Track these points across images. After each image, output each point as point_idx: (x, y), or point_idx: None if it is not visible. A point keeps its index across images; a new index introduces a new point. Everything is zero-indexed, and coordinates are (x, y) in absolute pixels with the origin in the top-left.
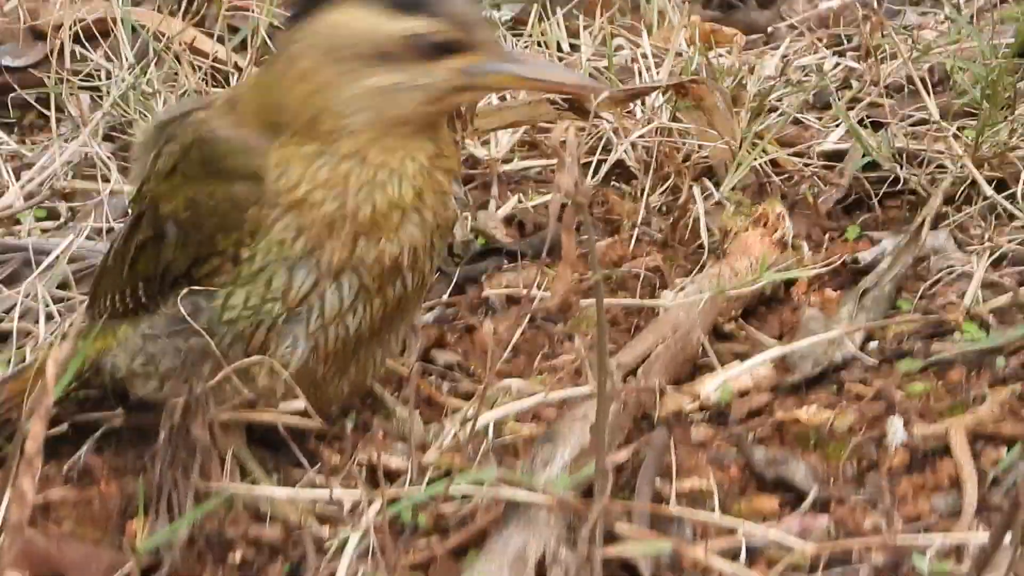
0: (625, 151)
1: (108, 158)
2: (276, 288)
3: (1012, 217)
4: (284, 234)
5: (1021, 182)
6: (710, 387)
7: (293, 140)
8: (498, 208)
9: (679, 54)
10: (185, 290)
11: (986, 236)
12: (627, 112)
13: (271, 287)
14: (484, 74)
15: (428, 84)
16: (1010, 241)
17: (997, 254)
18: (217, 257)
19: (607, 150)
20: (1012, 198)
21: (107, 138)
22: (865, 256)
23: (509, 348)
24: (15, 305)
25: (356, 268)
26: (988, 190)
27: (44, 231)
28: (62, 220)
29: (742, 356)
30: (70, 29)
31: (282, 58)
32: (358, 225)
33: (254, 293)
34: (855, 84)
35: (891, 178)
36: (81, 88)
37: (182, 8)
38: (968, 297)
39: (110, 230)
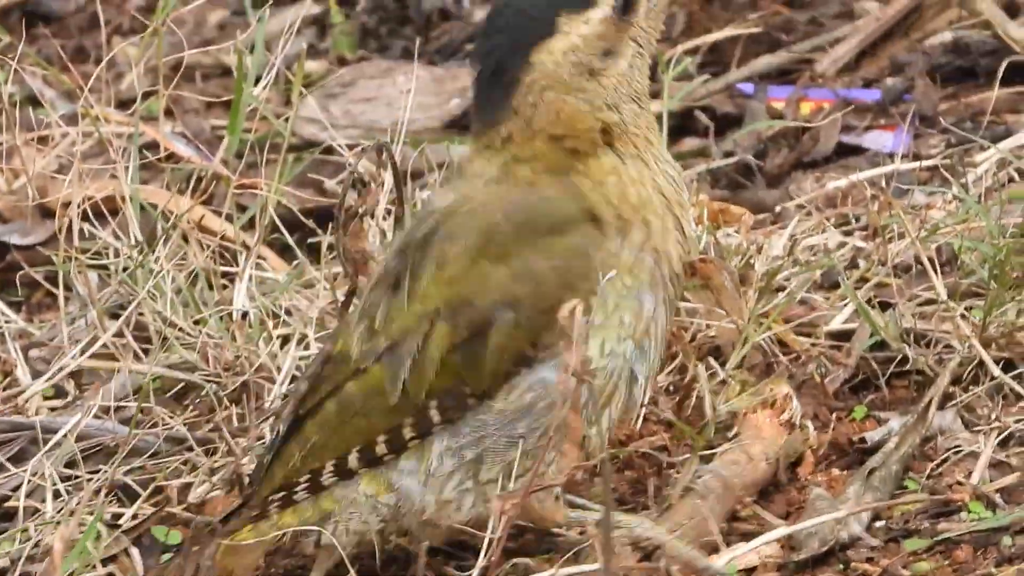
0: None
1: (116, 336)
2: (628, 324)
3: (1019, 397)
4: (630, 259)
5: None
6: (716, 566)
7: (591, 165)
8: None
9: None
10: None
11: (993, 416)
12: None
13: (624, 325)
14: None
15: (649, 34)
16: (1017, 421)
17: (1004, 434)
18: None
19: None
20: (1019, 378)
21: (114, 316)
22: (872, 436)
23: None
24: (22, 483)
25: (671, 280)
26: (995, 370)
27: (52, 410)
28: (69, 398)
29: (748, 535)
30: (78, 207)
31: (527, 104)
32: (673, 219)
33: (608, 338)
34: (863, 264)
35: (899, 358)
36: (89, 266)
37: (190, 186)
38: (975, 476)
39: (119, 408)
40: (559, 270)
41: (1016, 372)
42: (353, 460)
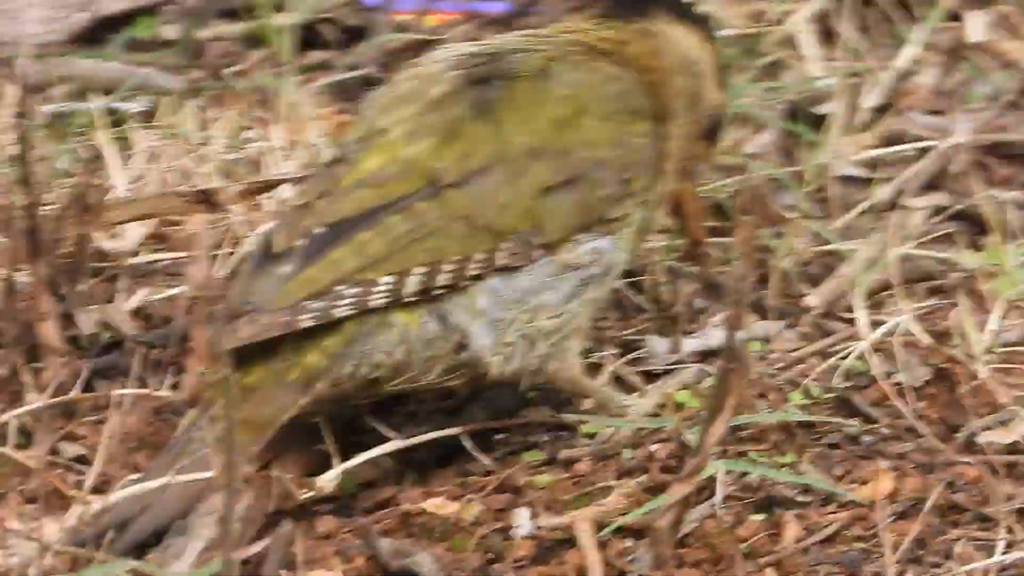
0: None
1: None
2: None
3: (641, 311)
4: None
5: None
6: (327, 477)
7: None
8: (126, 301)
9: (312, 145)
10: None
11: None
12: (255, 205)
13: (653, 223)
14: None
15: None
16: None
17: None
18: (628, 199)
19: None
20: None
21: None
22: None
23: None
24: None
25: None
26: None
27: None
28: None
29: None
30: None
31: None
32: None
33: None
34: None
35: None
36: None
37: None
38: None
39: None
40: (639, 148)
41: None
42: (412, 282)
